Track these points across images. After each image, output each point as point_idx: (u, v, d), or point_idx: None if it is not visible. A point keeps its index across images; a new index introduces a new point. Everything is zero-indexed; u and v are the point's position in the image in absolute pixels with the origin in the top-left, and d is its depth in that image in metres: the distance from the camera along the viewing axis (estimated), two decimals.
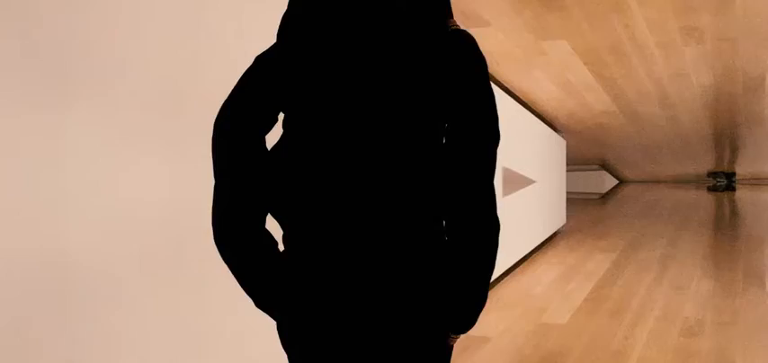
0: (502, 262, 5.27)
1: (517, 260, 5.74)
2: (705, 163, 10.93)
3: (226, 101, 1.22)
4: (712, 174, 11.97)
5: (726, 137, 8.10)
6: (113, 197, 1.82)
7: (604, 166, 11.35)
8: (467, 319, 1.23)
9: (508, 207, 5.36)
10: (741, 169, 11.55)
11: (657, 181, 13.74)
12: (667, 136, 7.97)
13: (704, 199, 10.69)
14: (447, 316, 1.22)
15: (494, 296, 4.75)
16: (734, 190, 11.87)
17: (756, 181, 12.76)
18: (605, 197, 11.27)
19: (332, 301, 1.19)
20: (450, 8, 1.24)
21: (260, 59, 1.23)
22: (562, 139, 7.59)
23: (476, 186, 1.20)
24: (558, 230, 7.51)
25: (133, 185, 1.89)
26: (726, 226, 8.25)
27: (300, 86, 1.19)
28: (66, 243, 1.70)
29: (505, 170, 5.24)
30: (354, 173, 1.16)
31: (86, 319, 1.74)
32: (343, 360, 1.21)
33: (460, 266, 1.21)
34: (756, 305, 4.51)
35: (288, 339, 1.25)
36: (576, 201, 9.78)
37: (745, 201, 10.56)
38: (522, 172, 5.74)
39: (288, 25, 1.22)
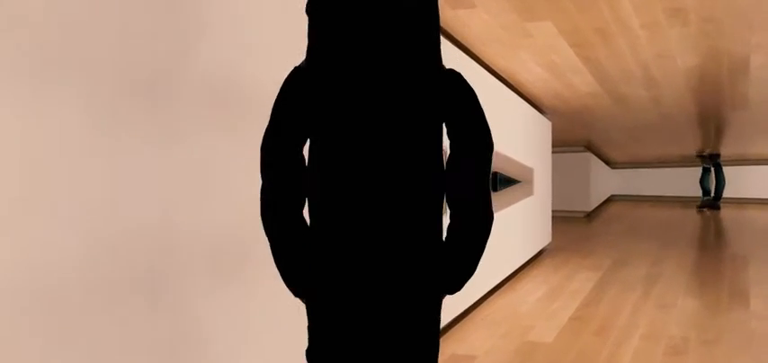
0: (488, 281, 5.26)
1: (503, 278, 5.73)
2: (690, 145, 10.91)
3: (267, 126, 1.56)
4: (700, 156, 11.97)
5: (710, 118, 8.10)
6: (100, 195, 1.74)
7: (590, 148, 11.34)
8: (458, 285, 1.58)
9: (495, 226, 5.35)
10: (726, 150, 11.59)
11: (643, 163, 13.82)
12: (652, 117, 7.98)
13: (689, 219, 10.75)
14: (443, 282, 1.56)
15: (479, 315, 4.73)
16: (718, 209, 11.94)
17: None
18: (590, 215, 11.31)
19: (350, 270, 1.50)
20: (440, 53, 1.57)
21: (288, 88, 1.54)
22: (547, 121, 7.60)
23: (477, 187, 1.54)
24: (544, 248, 7.52)
25: (121, 181, 1.81)
26: (710, 246, 8.30)
27: (325, 113, 1.50)
28: (48, 250, 1.62)
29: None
30: (370, 177, 1.48)
31: (73, 338, 1.68)
32: (358, 317, 1.52)
33: (460, 247, 1.55)
34: (740, 323, 4.52)
35: (312, 311, 1.55)
36: (560, 219, 9.80)
37: (729, 220, 10.63)
38: (508, 154, 5.73)
39: (312, 54, 1.52)
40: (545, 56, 5.08)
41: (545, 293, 5.47)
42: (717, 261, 6.99)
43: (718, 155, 12.30)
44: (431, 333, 1.57)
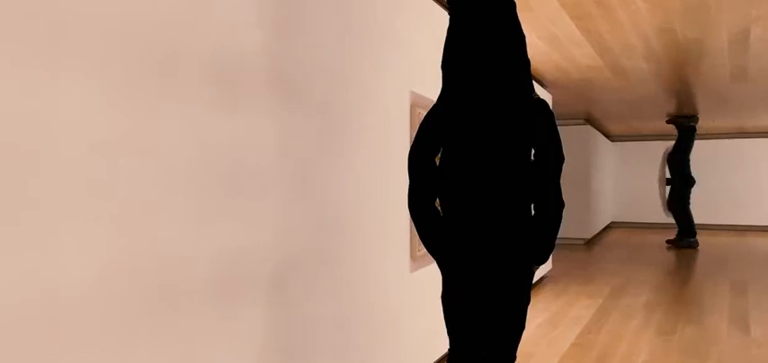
0: None
1: None
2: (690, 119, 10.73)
3: (412, 143, 2.27)
4: (673, 118, 10.29)
5: (711, 91, 8.07)
6: (111, 192, 1.69)
7: (589, 121, 11.26)
8: (544, 258, 2.25)
9: None
10: (724, 122, 11.45)
11: (642, 136, 13.68)
12: (652, 90, 7.94)
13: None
14: (533, 256, 2.24)
15: None
16: (694, 247, 10.31)
17: (740, 228, 12.89)
18: (590, 242, 11.32)
19: (470, 244, 2.18)
20: (532, 84, 2.25)
21: (428, 117, 2.27)
22: (548, 94, 7.61)
23: (551, 188, 2.20)
24: (545, 275, 7.53)
25: (126, 173, 1.76)
26: (709, 272, 8.31)
27: (452, 132, 2.20)
28: (53, 268, 1.58)
29: None
30: (483, 180, 2.16)
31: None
32: (476, 280, 2.20)
33: (542, 228, 2.21)
34: (741, 350, 4.53)
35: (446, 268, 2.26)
36: (560, 247, 9.82)
37: (728, 247, 10.65)
38: None
39: (444, 98, 2.25)
40: (546, 28, 5.12)
41: (546, 320, 5.48)
42: (716, 287, 7.00)
43: (694, 117, 10.19)
44: (524, 292, 2.28)
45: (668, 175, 10.76)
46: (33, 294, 1.51)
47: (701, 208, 12.96)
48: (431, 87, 3.83)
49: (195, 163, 1.99)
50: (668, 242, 10.48)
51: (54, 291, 1.55)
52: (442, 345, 4.13)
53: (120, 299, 1.73)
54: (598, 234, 12.41)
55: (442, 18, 4.07)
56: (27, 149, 1.49)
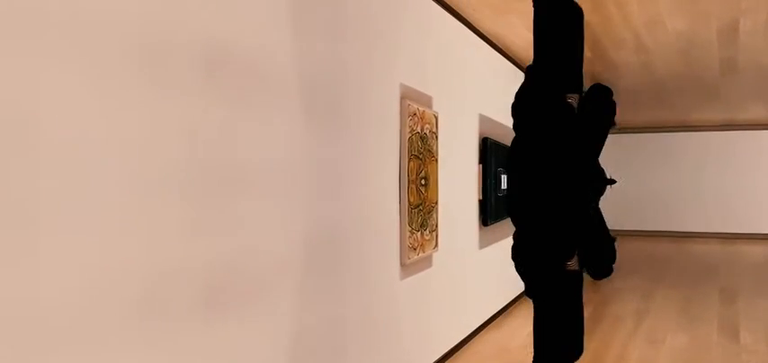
0: (478, 316, 5.24)
1: (494, 313, 5.71)
2: (679, 111, 10.64)
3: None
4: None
5: (701, 83, 8.04)
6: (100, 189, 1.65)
7: None
8: None
9: (485, 259, 5.36)
10: (714, 115, 11.41)
11: (631, 129, 13.59)
12: (643, 83, 7.91)
13: (678, 253, 10.77)
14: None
15: (469, 351, 4.71)
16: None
17: (730, 236, 12.91)
18: None
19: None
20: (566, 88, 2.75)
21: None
22: None
23: None
24: None
25: (118, 173, 1.72)
26: (699, 280, 8.31)
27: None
28: (36, 274, 1.56)
29: (481, 116, 5.30)
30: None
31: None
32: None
33: None
34: (731, 358, 4.52)
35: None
36: None
37: (717, 256, 10.67)
38: (498, 119, 5.70)
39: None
40: None
41: None
42: (706, 294, 7.00)
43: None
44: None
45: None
46: (18, 303, 1.46)
47: (690, 212, 12.95)
48: (421, 81, 3.82)
49: (186, 165, 1.96)
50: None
51: (45, 297, 1.51)
52: (432, 351, 4.10)
53: (107, 306, 1.68)
54: None
55: (432, 11, 4.08)
56: (14, 148, 1.46)
